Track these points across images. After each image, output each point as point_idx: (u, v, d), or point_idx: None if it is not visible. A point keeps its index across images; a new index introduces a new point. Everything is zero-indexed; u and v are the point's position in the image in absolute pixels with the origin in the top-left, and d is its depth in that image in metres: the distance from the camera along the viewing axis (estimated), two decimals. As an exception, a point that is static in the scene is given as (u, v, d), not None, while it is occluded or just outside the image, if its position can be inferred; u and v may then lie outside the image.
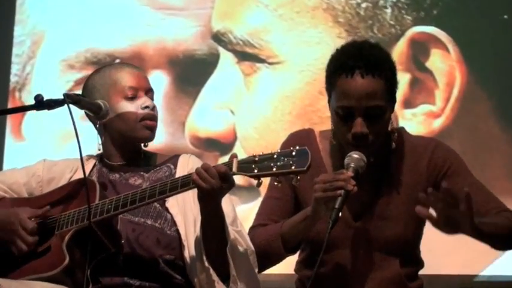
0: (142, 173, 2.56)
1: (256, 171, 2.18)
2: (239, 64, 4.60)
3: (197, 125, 4.59)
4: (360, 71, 2.31)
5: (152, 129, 2.53)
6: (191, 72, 4.66)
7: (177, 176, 2.46)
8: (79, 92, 2.61)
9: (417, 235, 2.53)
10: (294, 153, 2.16)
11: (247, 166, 2.20)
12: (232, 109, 4.60)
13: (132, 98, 2.50)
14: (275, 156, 2.18)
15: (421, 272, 2.65)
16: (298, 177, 2.16)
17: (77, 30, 4.74)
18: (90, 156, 2.66)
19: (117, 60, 4.62)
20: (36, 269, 2.35)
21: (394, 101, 2.45)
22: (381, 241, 2.45)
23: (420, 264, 2.58)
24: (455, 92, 4.45)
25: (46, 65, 4.75)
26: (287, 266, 2.72)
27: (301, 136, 2.55)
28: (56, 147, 4.53)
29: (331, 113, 2.44)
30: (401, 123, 4.39)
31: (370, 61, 2.34)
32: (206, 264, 2.34)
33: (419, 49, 4.51)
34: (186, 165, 2.55)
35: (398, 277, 2.46)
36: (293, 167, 2.14)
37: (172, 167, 2.58)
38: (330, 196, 2.23)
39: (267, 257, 2.46)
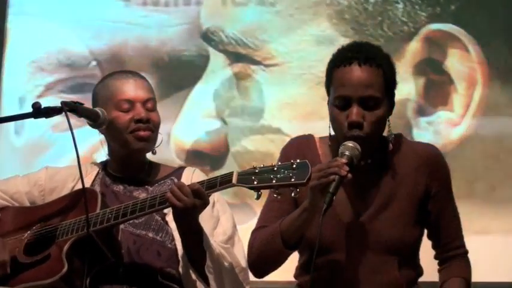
0: (146, 186, 2.77)
1: (256, 183, 2.37)
2: (231, 66, 4.55)
3: (184, 135, 4.56)
4: (357, 62, 2.56)
5: (147, 140, 2.72)
6: (177, 76, 4.59)
7: None
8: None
9: (416, 239, 2.71)
10: (294, 165, 2.36)
11: (247, 178, 2.39)
12: (223, 118, 4.57)
13: (128, 110, 2.71)
14: (275, 168, 2.38)
15: (420, 279, 2.77)
16: (298, 189, 2.37)
17: (48, 28, 4.70)
18: (93, 164, 2.87)
19: (93, 63, 4.58)
20: (35, 276, 2.56)
21: (392, 99, 2.66)
22: (379, 243, 2.63)
23: (419, 270, 2.75)
24: (476, 96, 4.43)
25: (13, 67, 4.70)
26: (286, 273, 2.84)
27: (301, 142, 2.75)
28: (25, 163, 4.49)
29: (329, 111, 2.64)
30: (416, 133, 4.42)
31: (368, 53, 2.60)
32: (193, 277, 2.58)
33: (435, 49, 4.50)
34: (190, 179, 2.72)
35: (396, 281, 2.64)
36: (293, 180, 2.34)
37: (176, 180, 2.75)
38: (324, 183, 2.44)
39: (268, 256, 2.65)
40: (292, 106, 4.50)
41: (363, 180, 2.65)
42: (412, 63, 4.47)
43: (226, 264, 2.60)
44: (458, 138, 4.42)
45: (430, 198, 2.68)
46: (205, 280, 2.59)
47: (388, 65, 2.63)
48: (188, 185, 2.45)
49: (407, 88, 4.46)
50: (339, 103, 2.59)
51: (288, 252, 2.65)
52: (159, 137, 2.79)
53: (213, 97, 4.59)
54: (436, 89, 4.47)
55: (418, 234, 2.71)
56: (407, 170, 2.67)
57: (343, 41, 4.14)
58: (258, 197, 2.40)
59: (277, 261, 2.69)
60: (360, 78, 2.56)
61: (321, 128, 4.27)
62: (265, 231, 2.67)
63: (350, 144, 2.53)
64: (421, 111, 4.46)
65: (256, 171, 2.39)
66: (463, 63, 4.45)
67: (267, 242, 2.64)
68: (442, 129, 4.45)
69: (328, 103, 2.67)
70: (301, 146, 2.72)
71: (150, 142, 2.75)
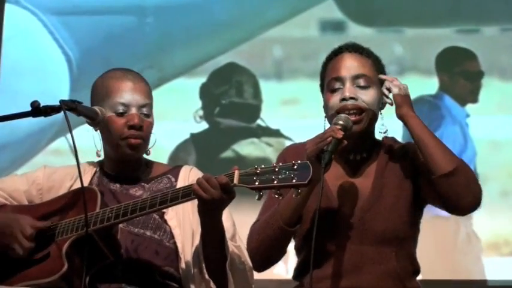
0: (143, 183, 2.93)
1: (257, 183, 2.54)
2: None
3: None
4: (347, 50, 2.92)
5: (136, 148, 2.87)
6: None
7: (177, 187, 2.81)
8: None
9: (411, 231, 2.92)
10: (295, 166, 2.52)
11: (248, 178, 2.57)
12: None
13: (123, 114, 2.86)
14: (277, 169, 2.54)
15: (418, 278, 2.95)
16: (299, 190, 2.56)
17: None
18: (90, 164, 3.00)
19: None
20: (34, 275, 2.71)
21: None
22: (375, 234, 2.86)
23: (417, 265, 2.95)
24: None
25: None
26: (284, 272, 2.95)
27: (297, 147, 2.96)
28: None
29: (323, 100, 2.92)
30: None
31: (356, 45, 2.95)
32: (206, 276, 2.74)
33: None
34: (187, 178, 2.90)
35: (394, 271, 2.86)
36: (294, 181, 2.51)
37: (173, 179, 2.94)
38: (320, 146, 2.71)
39: (269, 237, 2.86)
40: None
41: (357, 173, 2.93)
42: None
43: (239, 264, 2.77)
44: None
45: (419, 174, 2.89)
46: (217, 281, 2.73)
47: (377, 58, 2.96)
48: (215, 177, 2.60)
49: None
50: (332, 85, 2.88)
51: (288, 231, 2.83)
52: (153, 138, 2.93)
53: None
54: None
55: (413, 227, 2.91)
56: (397, 164, 2.94)
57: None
58: (259, 198, 2.56)
59: (277, 245, 2.88)
60: (351, 61, 2.90)
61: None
62: (264, 217, 2.89)
63: (343, 115, 2.80)
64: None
65: (258, 171, 2.56)
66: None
67: (266, 224, 2.86)
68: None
69: (324, 109, 2.91)
70: (298, 150, 2.90)
71: (140, 150, 2.90)
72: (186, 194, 2.64)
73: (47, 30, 4.74)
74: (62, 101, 2.76)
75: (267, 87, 4.72)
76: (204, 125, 4.70)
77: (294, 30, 4.76)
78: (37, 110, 2.76)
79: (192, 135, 4.70)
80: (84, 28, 4.75)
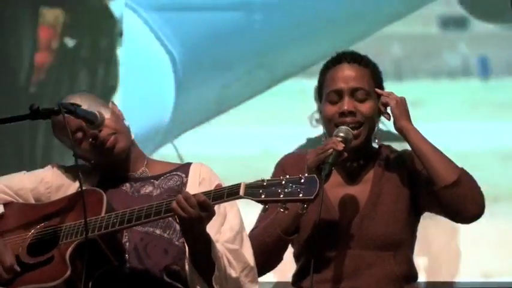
0: (152, 180, 3.00)
1: (263, 196, 2.61)
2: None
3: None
4: (346, 60, 3.02)
5: (115, 146, 2.92)
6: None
7: (188, 184, 2.96)
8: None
9: (408, 235, 3.05)
10: (302, 180, 2.58)
11: (254, 190, 2.63)
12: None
13: (82, 137, 2.92)
14: (283, 182, 2.59)
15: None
16: (305, 205, 2.62)
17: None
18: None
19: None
20: (37, 279, 2.74)
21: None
22: (374, 238, 2.98)
23: (414, 271, 3.07)
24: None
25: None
26: (283, 274, 3.14)
27: (295, 156, 3.13)
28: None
29: (322, 112, 3.06)
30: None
31: (355, 54, 3.06)
32: (201, 281, 2.80)
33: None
34: (198, 175, 2.97)
35: (394, 274, 2.99)
36: (300, 195, 2.57)
37: (183, 175, 3.01)
38: (321, 158, 2.84)
39: (267, 244, 2.98)
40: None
41: (354, 180, 3.05)
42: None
43: (233, 275, 2.82)
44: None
45: (416, 183, 3.00)
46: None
47: (375, 68, 3.06)
48: (194, 195, 2.68)
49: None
50: (331, 98, 2.99)
51: (286, 240, 2.96)
52: (126, 124, 2.99)
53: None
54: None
55: (410, 231, 3.04)
56: (394, 171, 3.04)
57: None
58: (265, 211, 2.66)
59: (274, 252, 3.00)
60: (350, 72, 3.01)
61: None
62: (262, 224, 3.00)
63: (344, 127, 2.93)
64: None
65: (264, 184, 2.62)
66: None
67: (264, 232, 2.97)
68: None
69: (320, 114, 3.08)
70: (296, 161, 3.04)
71: (121, 143, 2.95)
72: (169, 209, 2.73)
73: (148, 28, 4.67)
74: (60, 104, 2.82)
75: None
76: (320, 129, 4.44)
77: (413, 26, 4.61)
78: (36, 112, 2.81)
79: (308, 140, 4.60)
80: (188, 26, 4.68)
